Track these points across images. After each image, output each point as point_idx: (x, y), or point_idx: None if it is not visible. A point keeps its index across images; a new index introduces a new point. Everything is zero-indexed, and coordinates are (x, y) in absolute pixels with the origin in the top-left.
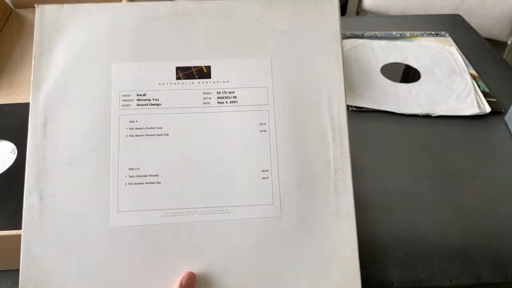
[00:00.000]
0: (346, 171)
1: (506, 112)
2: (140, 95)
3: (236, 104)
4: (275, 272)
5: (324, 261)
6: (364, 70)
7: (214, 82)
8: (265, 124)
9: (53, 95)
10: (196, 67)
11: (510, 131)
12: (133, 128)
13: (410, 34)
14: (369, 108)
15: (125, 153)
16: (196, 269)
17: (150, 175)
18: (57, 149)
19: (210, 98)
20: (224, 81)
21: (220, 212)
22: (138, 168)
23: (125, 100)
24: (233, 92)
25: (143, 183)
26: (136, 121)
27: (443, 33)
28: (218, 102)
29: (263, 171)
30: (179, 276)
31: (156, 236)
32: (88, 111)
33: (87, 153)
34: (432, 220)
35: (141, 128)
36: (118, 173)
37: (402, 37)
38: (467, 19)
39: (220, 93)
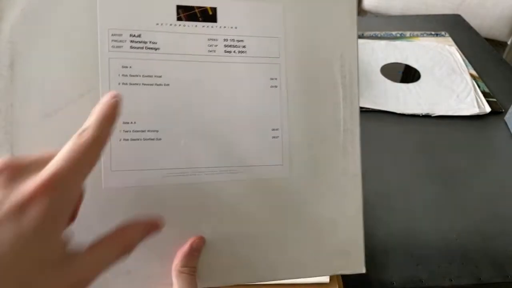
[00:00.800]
0: (354, 131)
1: (506, 112)
2: (134, 35)
3: (245, 54)
4: (282, 233)
5: (329, 221)
6: (364, 70)
7: (220, 27)
8: (276, 79)
9: (21, 29)
10: (200, 7)
11: (510, 131)
12: (126, 75)
13: (410, 34)
14: (369, 108)
15: None
16: (202, 232)
17: (148, 131)
18: (29, 96)
19: (216, 46)
20: (232, 27)
21: (228, 172)
22: (134, 122)
23: (115, 41)
24: (242, 40)
25: (141, 139)
26: (130, 67)
27: (443, 33)
28: (225, 51)
29: (273, 129)
30: (186, 241)
31: (157, 199)
32: (67, 51)
33: (69, 102)
34: (432, 220)
35: (137, 76)
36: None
37: (402, 37)
38: (467, 19)
39: (227, 40)
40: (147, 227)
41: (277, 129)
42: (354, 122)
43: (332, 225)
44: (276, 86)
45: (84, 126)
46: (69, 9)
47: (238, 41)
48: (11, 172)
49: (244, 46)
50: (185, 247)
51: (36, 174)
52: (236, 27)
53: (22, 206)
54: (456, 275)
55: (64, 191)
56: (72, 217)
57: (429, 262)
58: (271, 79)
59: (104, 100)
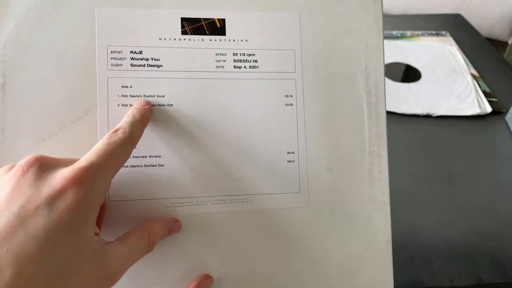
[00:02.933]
0: (382, 154)
1: (507, 112)
2: (135, 52)
3: (256, 70)
4: (299, 271)
5: (355, 256)
6: None
7: (229, 40)
8: (291, 96)
9: (14, 46)
10: (207, 19)
11: (511, 131)
12: (126, 96)
13: (411, 33)
14: None
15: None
16: (209, 268)
17: (150, 156)
18: (21, 119)
19: (224, 61)
20: (242, 40)
21: (237, 201)
22: (135, 148)
23: (115, 59)
24: (253, 54)
25: (142, 166)
26: (130, 87)
27: (443, 32)
28: (235, 67)
29: (289, 153)
30: (192, 278)
31: None
32: (63, 71)
33: (65, 126)
34: (432, 220)
35: (137, 96)
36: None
37: (402, 37)
38: (467, 18)
39: (237, 54)
40: (169, 225)
41: (293, 153)
42: (381, 144)
43: (357, 260)
44: (291, 104)
45: (117, 126)
46: (65, 26)
47: (249, 55)
48: (41, 165)
49: (255, 61)
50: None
51: (66, 168)
52: (246, 40)
53: (54, 198)
54: (456, 276)
55: (94, 185)
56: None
57: (429, 263)
58: (286, 96)
59: (136, 105)
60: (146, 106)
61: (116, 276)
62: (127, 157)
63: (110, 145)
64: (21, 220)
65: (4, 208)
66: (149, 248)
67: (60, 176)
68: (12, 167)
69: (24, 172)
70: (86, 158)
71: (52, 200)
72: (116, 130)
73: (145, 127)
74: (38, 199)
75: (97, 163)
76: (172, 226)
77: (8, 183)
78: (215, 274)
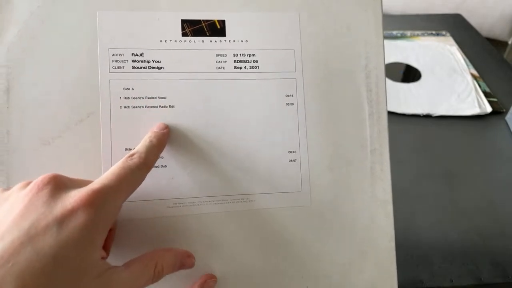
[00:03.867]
0: (383, 152)
1: (507, 112)
2: (136, 55)
3: (257, 70)
4: (303, 269)
5: (358, 254)
6: None
7: (229, 41)
8: (292, 96)
9: (17, 50)
10: (207, 21)
11: (511, 131)
12: (128, 98)
13: (411, 33)
14: None
15: (119, 129)
16: (212, 269)
17: None
18: (26, 122)
19: (225, 62)
20: (242, 41)
21: (239, 201)
22: None
23: (116, 61)
24: (254, 55)
25: None
26: (132, 89)
27: (443, 32)
28: (235, 67)
29: (290, 152)
30: (195, 279)
31: (162, 232)
32: (66, 74)
33: (68, 129)
34: (432, 220)
35: (139, 98)
36: (111, 155)
37: (402, 37)
38: (467, 18)
39: (237, 55)
40: (182, 258)
41: (294, 152)
42: (383, 142)
43: (360, 259)
44: (292, 104)
45: (133, 151)
46: (67, 29)
47: (249, 55)
48: (56, 184)
49: (256, 61)
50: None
51: (79, 189)
52: (246, 41)
53: (64, 218)
54: (456, 276)
55: (105, 208)
56: (106, 247)
57: (429, 263)
58: (287, 96)
59: (155, 129)
60: (165, 130)
61: None
62: (141, 181)
63: (125, 169)
64: (30, 237)
65: (16, 224)
66: (154, 277)
67: (73, 197)
68: (29, 183)
69: (39, 190)
70: (100, 180)
71: (62, 219)
72: (132, 155)
73: (161, 151)
74: (49, 217)
75: (110, 186)
76: (185, 260)
77: (22, 200)
78: (217, 273)
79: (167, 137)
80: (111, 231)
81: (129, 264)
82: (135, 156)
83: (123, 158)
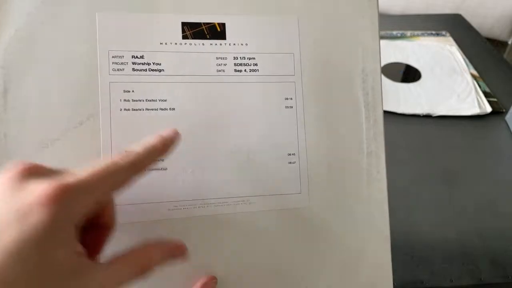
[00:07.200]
0: (380, 154)
1: (507, 112)
2: (137, 57)
3: (256, 73)
4: (303, 268)
5: (355, 253)
6: None
7: (230, 44)
8: (291, 99)
9: (15, 52)
10: (207, 23)
11: (510, 131)
12: (128, 100)
13: (411, 33)
14: None
15: (119, 131)
16: (213, 271)
17: None
18: (24, 125)
19: (225, 65)
20: (242, 44)
21: (240, 203)
22: None
23: (116, 63)
24: (253, 58)
25: None
26: (132, 91)
27: (443, 32)
28: (236, 70)
29: (290, 154)
30: (196, 281)
31: (163, 234)
32: (65, 76)
33: (67, 131)
34: (432, 220)
35: (140, 100)
36: (111, 157)
37: (402, 37)
38: (467, 18)
39: (237, 58)
40: (170, 251)
41: (293, 154)
42: (379, 145)
43: (357, 258)
44: (291, 107)
45: (131, 149)
46: (66, 31)
47: (249, 58)
48: (25, 170)
49: (255, 64)
50: None
51: (49, 181)
52: (246, 44)
53: (23, 213)
54: (456, 276)
55: (70, 205)
56: (97, 250)
57: (429, 263)
58: (286, 99)
59: (165, 133)
60: (175, 137)
61: None
62: (126, 183)
63: (108, 168)
64: None
65: None
66: (141, 273)
67: (38, 190)
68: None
69: (8, 175)
70: (77, 174)
71: (22, 214)
72: (130, 152)
73: (163, 157)
74: (10, 211)
75: (85, 182)
76: (174, 252)
77: None
78: (218, 275)
79: (175, 145)
80: (105, 231)
81: (111, 261)
82: (125, 154)
83: (119, 154)
